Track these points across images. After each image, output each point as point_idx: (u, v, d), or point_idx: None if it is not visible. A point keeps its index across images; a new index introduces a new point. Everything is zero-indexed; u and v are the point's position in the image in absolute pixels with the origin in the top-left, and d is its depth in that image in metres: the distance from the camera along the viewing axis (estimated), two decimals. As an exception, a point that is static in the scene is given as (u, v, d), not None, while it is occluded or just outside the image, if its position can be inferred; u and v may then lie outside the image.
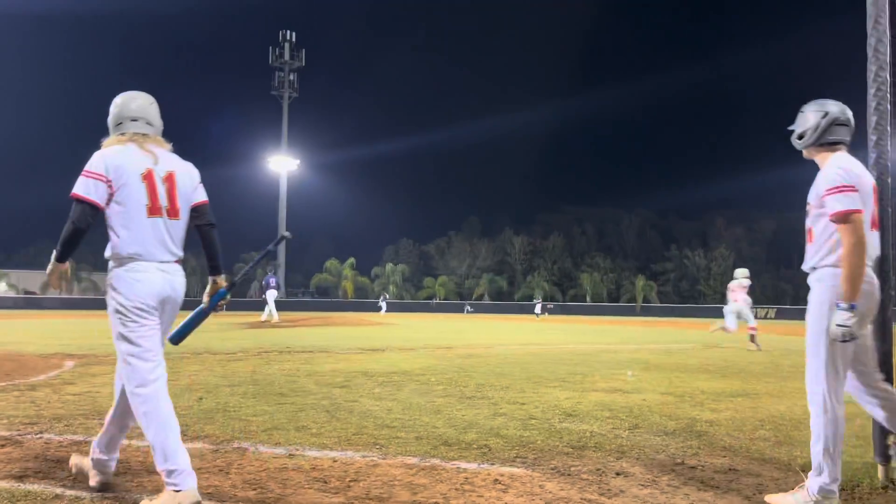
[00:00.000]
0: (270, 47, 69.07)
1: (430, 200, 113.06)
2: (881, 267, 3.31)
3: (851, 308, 2.94)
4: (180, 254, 3.19)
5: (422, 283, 69.95)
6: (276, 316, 23.66)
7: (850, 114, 3.26)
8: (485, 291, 68.60)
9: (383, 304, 52.05)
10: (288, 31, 69.35)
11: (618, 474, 3.53)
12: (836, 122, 3.22)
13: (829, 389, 3.06)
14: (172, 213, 3.13)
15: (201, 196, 3.31)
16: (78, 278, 61.80)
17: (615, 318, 47.32)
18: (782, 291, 65.08)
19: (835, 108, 3.24)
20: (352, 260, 67.18)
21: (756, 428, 4.85)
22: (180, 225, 3.18)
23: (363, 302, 60.21)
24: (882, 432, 3.33)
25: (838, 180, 3.04)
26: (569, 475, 3.48)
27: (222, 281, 3.41)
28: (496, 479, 3.36)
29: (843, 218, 2.99)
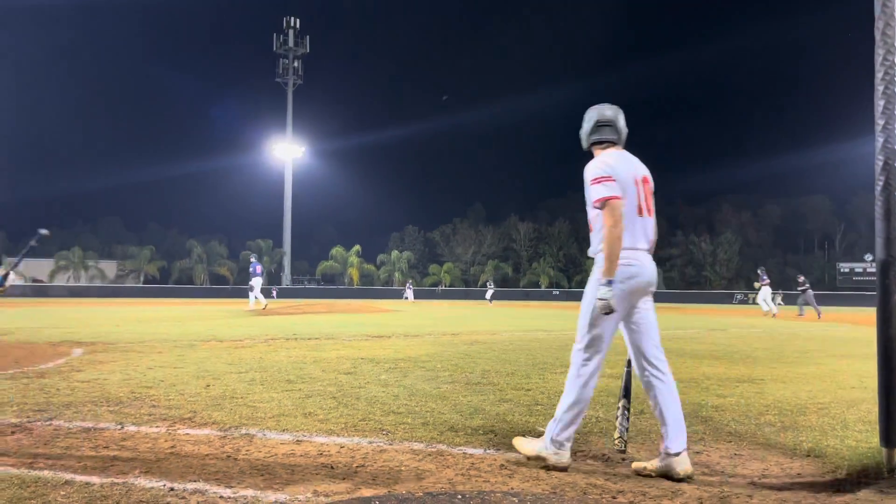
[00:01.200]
0: (274, 34, 68.88)
1: (436, 187, 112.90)
2: (886, 250, 3.31)
3: (609, 283, 3.30)
4: None
5: (427, 270, 70.04)
6: (263, 301, 23.84)
7: (611, 114, 3.62)
8: (490, 278, 68.68)
9: (410, 292, 51.27)
10: (292, 18, 69.11)
11: (624, 459, 3.55)
12: (601, 124, 3.62)
13: (585, 355, 3.52)
14: None
15: None
16: (85, 266, 62.06)
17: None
18: (789, 277, 65.01)
19: (602, 112, 3.64)
20: (357, 247, 67.27)
21: (761, 413, 4.86)
22: None
23: (369, 289, 60.36)
24: (887, 416, 3.35)
25: (598, 172, 3.43)
26: (574, 460, 3.50)
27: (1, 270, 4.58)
28: (502, 465, 3.38)
29: (603, 204, 3.36)
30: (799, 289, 24.29)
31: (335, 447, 3.70)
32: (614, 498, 2.90)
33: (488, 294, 47.83)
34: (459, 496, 2.87)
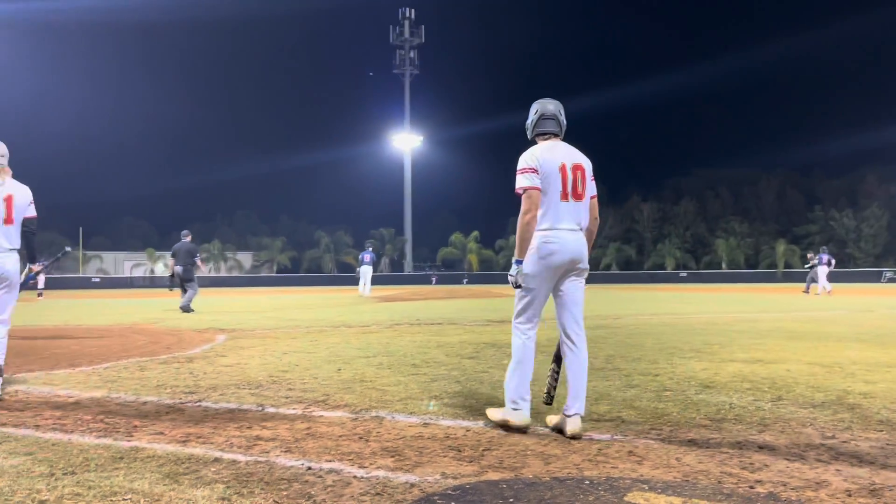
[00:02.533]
0: (391, 26, 70.25)
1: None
2: None
3: (518, 263, 3.78)
4: (11, 245, 4.86)
5: (547, 254, 69.27)
6: (361, 289, 24.53)
7: (553, 109, 4.00)
8: (612, 261, 67.13)
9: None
10: (407, 9, 70.22)
11: (760, 448, 3.38)
12: (544, 118, 4.00)
13: (517, 323, 3.96)
14: (8, 221, 4.83)
15: (31, 213, 5.02)
16: (224, 258, 66.26)
17: (754, 285, 44.95)
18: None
19: (545, 106, 4.01)
20: (476, 233, 67.69)
21: (918, 401, 4.47)
22: (12, 228, 4.87)
23: (489, 274, 60.60)
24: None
25: (523, 164, 3.81)
26: (707, 448, 3.37)
27: (34, 267, 5.37)
28: (630, 451, 3.31)
29: (522, 193, 3.77)
30: (807, 266, 26.38)
31: (461, 430, 3.76)
32: (752, 488, 2.77)
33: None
34: (587, 481, 2.84)
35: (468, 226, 70.14)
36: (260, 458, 3.20)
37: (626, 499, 2.63)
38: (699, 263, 65.28)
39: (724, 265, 63.29)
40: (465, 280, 60.60)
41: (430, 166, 73.91)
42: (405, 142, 67.23)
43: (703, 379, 5.35)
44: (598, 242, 70.62)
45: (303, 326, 10.83)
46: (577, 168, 3.88)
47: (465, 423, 3.91)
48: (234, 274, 63.88)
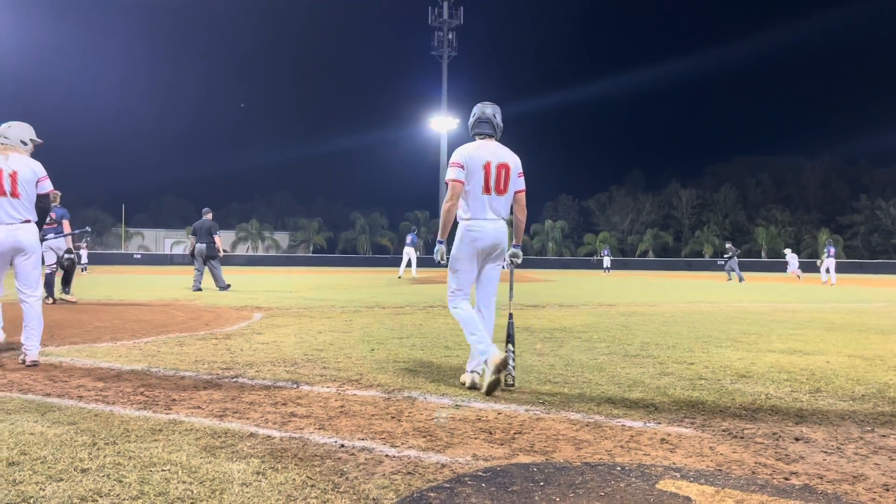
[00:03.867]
0: (429, 7, 69.82)
1: (590, 154, 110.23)
2: None
3: (440, 243, 4.58)
4: (22, 217, 5.14)
5: (582, 240, 68.87)
6: (401, 271, 24.72)
7: (490, 112, 4.60)
8: (649, 247, 66.35)
9: (608, 260, 45.33)
10: (446, -10, 69.62)
11: (797, 439, 3.33)
12: (480, 120, 4.60)
13: (452, 295, 4.56)
14: (14, 194, 5.09)
15: (44, 189, 5.24)
16: (261, 237, 67.15)
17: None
18: None
19: (483, 110, 4.60)
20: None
21: (963, 397, 4.35)
22: (19, 202, 5.12)
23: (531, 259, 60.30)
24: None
25: (453, 158, 4.46)
26: (742, 438, 3.33)
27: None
28: (663, 439, 3.29)
29: (448, 184, 4.39)
30: (725, 256, 28.69)
31: (493, 413, 3.77)
32: (787, 479, 2.73)
33: (607, 262, 44.41)
34: (619, 468, 2.83)
35: (503, 210, 69.66)
36: (294, 435, 3.25)
37: (657, 486, 2.61)
38: (739, 251, 64.16)
39: (763, 253, 62.08)
40: (594, 258, 60.34)
41: (465, 149, 73.50)
42: (442, 124, 66.95)
43: (739, 368, 5.27)
44: (636, 229, 69.99)
45: (337, 306, 10.94)
46: (501, 166, 4.46)
47: (497, 406, 3.92)
48: (272, 253, 64.71)
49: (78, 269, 15.47)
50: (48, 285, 11.55)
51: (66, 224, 11.84)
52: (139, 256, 56.25)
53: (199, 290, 14.75)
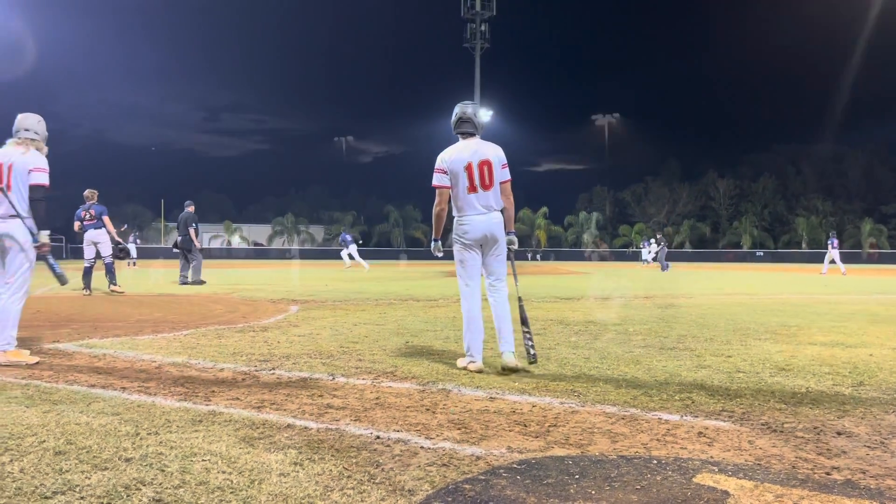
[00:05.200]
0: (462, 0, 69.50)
1: (625, 145, 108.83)
2: None
3: (435, 241, 5.03)
4: (13, 212, 4.97)
5: (617, 231, 68.19)
6: (361, 264, 26.58)
7: (471, 111, 4.87)
8: (686, 238, 65.41)
9: (645, 252, 44.22)
10: (479, -19, 69.26)
11: (839, 434, 3.26)
12: (462, 120, 4.86)
13: (461, 285, 4.88)
14: (7, 188, 4.99)
15: (35, 180, 5.02)
16: (297, 231, 67.86)
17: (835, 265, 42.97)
18: None
19: (464, 110, 4.87)
20: (544, 209, 67.02)
21: None
22: (12, 195, 4.99)
23: (557, 251, 60.01)
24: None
25: (436, 164, 4.78)
26: (781, 432, 3.28)
27: (41, 238, 5.02)
28: (700, 432, 3.25)
29: (435, 189, 4.77)
30: (656, 248, 31.22)
31: (527, 405, 3.77)
32: (828, 474, 2.68)
33: (652, 255, 41.98)
34: (655, 461, 2.81)
35: (536, 202, 69.53)
36: (331, 426, 3.29)
37: (695, 480, 2.59)
38: (777, 242, 62.90)
39: (804, 244, 60.79)
40: (537, 256, 60.05)
41: (498, 141, 72.91)
42: (474, 116, 66.86)
43: (779, 361, 5.18)
44: (672, 220, 69.03)
45: (372, 299, 11.02)
46: (483, 163, 4.74)
47: (531, 399, 3.92)
48: (307, 246, 65.37)
49: (126, 262, 15.86)
50: (85, 277, 11.90)
51: (106, 220, 12.14)
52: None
53: (186, 283, 14.98)
